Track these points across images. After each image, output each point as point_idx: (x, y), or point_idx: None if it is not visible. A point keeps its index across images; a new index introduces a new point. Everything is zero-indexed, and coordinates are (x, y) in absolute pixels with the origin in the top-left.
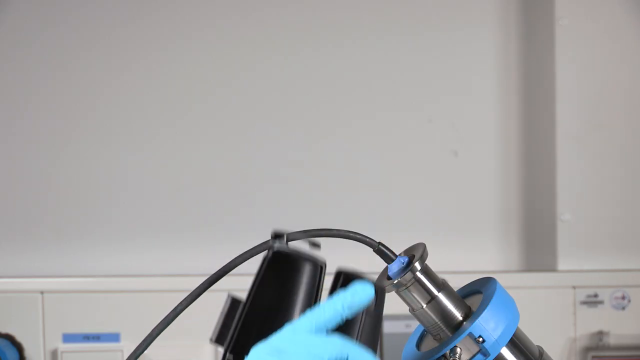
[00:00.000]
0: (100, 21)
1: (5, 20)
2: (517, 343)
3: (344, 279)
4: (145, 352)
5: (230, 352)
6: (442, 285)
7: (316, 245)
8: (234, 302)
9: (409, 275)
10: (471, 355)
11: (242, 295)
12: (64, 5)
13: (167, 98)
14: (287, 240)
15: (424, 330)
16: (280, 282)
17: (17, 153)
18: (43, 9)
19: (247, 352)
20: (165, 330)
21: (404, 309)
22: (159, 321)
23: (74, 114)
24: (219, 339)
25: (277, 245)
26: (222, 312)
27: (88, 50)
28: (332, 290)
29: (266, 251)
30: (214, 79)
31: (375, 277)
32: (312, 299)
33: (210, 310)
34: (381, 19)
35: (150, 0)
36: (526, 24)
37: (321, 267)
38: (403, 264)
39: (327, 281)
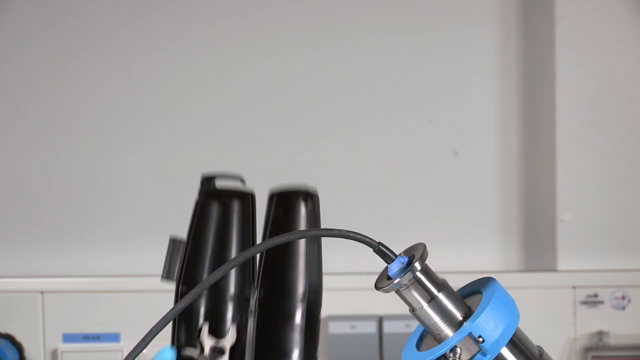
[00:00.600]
0: (100, 21)
1: (6, 20)
2: (517, 343)
3: (277, 199)
4: (145, 351)
5: (183, 285)
6: (442, 285)
7: (241, 181)
8: (175, 243)
9: (409, 275)
10: (471, 355)
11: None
12: (64, 5)
13: (167, 98)
14: (214, 180)
15: (424, 330)
16: (215, 219)
17: (17, 153)
18: (43, 9)
19: (196, 282)
20: (166, 330)
21: (404, 309)
22: (159, 320)
23: (74, 114)
24: (168, 276)
25: (205, 188)
26: (167, 253)
27: (88, 51)
28: (268, 211)
29: (199, 197)
30: (214, 79)
31: (375, 277)
32: (248, 228)
33: None
34: (381, 19)
35: (150, 0)
36: (526, 24)
37: (250, 198)
38: (403, 264)
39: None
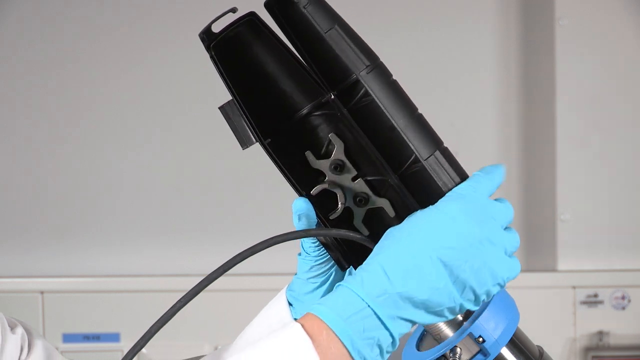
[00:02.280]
0: (100, 22)
1: (6, 20)
2: (517, 343)
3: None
4: (145, 351)
5: (264, 138)
6: None
7: (231, 11)
8: (226, 107)
9: None
10: (471, 355)
11: None
12: (64, 5)
13: (166, 99)
14: (211, 29)
15: (424, 330)
16: (240, 59)
17: (17, 153)
18: (42, 9)
19: (270, 127)
20: (165, 330)
21: None
22: (157, 319)
23: (74, 115)
24: (246, 142)
25: (211, 42)
26: (229, 124)
27: (88, 51)
28: (280, 20)
29: (209, 54)
30: (214, 80)
31: None
32: (275, 43)
33: (209, 310)
34: (381, 19)
35: (150, 0)
36: (526, 24)
37: (253, 18)
38: None
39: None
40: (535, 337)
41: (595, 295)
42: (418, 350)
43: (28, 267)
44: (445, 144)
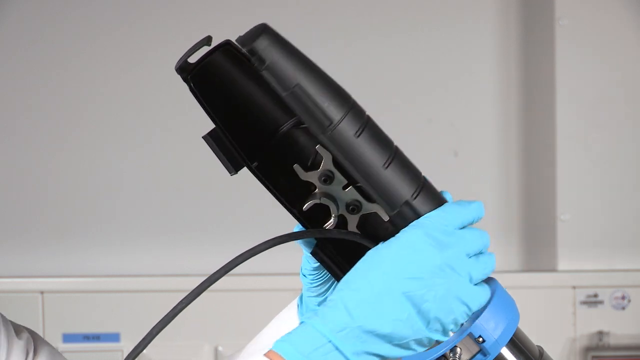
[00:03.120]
0: (100, 22)
1: (6, 20)
2: (517, 343)
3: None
4: (145, 352)
5: (251, 162)
6: None
7: (208, 44)
8: (211, 137)
9: None
10: (471, 355)
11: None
12: (64, 5)
13: (166, 99)
14: (187, 61)
15: None
16: (218, 85)
17: (17, 153)
18: (42, 9)
19: (256, 149)
20: (165, 330)
21: None
22: (159, 321)
23: (74, 115)
24: (235, 168)
25: (188, 74)
26: (214, 152)
27: (88, 51)
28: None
29: (188, 86)
30: None
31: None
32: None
33: (209, 310)
34: (381, 19)
35: (149, 0)
36: (526, 24)
37: (229, 46)
38: None
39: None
40: (535, 337)
41: (595, 295)
42: None
43: (28, 267)
44: (445, 144)
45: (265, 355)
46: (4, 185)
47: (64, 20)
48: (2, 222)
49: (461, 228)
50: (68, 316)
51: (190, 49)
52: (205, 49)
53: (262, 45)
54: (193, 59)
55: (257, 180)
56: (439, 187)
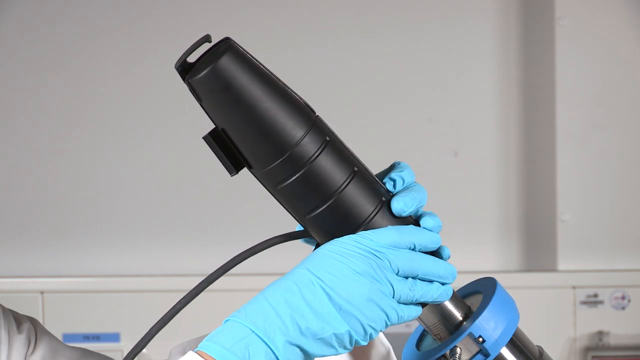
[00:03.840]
0: (100, 22)
1: (6, 20)
2: (517, 343)
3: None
4: (145, 351)
5: (251, 168)
6: None
7: (205, 40)
8: (210, 138)
9: None
10: (471, 355)
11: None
12: (64, 5)
13: (166, 99)
14: (186, 60)
15: (424, 330)
16: (221, 86)
17: (17, 153)
18: (42, 9)
19: (259, 158)
20: (164, 330)
21: None
22: (158, 320)
23: (74, 115)
24: (235, 168)
25: (187, 72)
26: (215, 152)
27: (88, 51)
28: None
29: (188, 86)
30: None
31: None
32: (256, 67)
33: (209, 310)
34: (381, 19)
35: (149, 1)
36: (526, 24)
37: (229, 44)
38: None
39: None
40: (535, 337)
41: (595, 295)
42: (418, 350)
43: (28, 267)
44: (446, 144)
45: (186, 356)
46: (4, 185)
47: (64, 20)
48: (2, 222)
49: (413, 249)
50: (68, 316)
51: (190, 47)
52: (204, 49)
53: (200, 81)
54: (192, 58)
55: (257, 180)
56: (438, 187)
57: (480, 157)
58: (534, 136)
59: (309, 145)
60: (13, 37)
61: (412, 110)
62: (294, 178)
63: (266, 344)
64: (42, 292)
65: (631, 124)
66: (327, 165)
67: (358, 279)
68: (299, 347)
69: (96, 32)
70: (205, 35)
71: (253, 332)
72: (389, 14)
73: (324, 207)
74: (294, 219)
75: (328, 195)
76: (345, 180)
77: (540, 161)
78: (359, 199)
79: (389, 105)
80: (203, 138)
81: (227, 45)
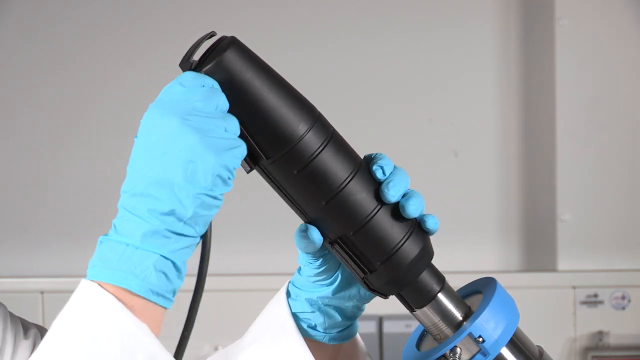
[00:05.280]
0: (100, 22)
1: (6, 20)
2: (517, 343)
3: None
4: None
5: (269, 159)
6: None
7: (210, 35)
8: None
9: None
10: (471, 355)
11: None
12: (64, 5)
13: None
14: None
15: (424, 330)
16: (233, 84)
17: (17, 153)
18: (42, 9)
19: (279, 138)
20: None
21: (404, 309)
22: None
23: (74, 115)
24: (254, 162)
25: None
26: None
27: (88, 51)
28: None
29: None
30: None
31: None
32: (263, 64)
33: (209, 310)
34: (381, 19)
35: (149, 1)
36: (526, 24)
37: (231, 38)
38: None
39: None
40: (535, 337)
41: (595, 295)
42: (418, 350)
43: (28, 267)
44: (446, 144)
45: (80, 287)
46: (4, 185)
47: (64, 20)
48: (2, 222)
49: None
50: None
51: (195, 43)
52: (204, 49)
53: (212, 70)
54: (195, 57)
55: (263, 180)
56: (438, 187)
57: (480, 157)
58: (534, 136)
59: (324, 123)
60: (13, 37)
61: (412, 110)
62: (323, 149)
63: (145, 249)
64: (42, 292)
65: (631, 124)
66: (342, 148)
67: (185, 135)
68: (172, 232)
69: (96, 32)
70: (209, 33)
71: (129, 245)
72: (389, 14)
73: (350, 180)
74: (299, 216)
75: (354, 167)
76: (353, 171)
77: (540, 161)
78: (366, 183)
79: (389, 105)
80: None
81: (229, 39)
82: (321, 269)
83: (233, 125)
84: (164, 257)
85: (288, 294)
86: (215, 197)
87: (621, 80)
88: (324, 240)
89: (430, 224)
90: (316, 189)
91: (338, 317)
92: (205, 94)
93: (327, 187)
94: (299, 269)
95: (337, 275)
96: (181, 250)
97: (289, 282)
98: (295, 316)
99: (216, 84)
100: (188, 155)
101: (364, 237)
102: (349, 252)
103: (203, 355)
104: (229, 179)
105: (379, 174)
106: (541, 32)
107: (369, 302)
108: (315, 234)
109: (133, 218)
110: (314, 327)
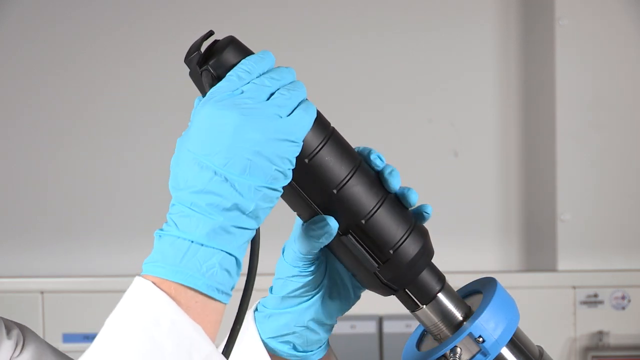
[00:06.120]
0: (100, 22)
1: (6, 20)
2: (517, 343)
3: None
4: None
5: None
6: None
7: (209, 34)
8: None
9: None
10: (471, 355)
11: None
12: (64, 5)
13: (165, 99)
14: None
15: (424, 330)
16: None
17: (17, 153)
18: (42, 9)
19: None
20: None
21: (404, 309)
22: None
23: (74, 115)
24: None
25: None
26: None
27: (88, 51)
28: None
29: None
30: None
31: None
32: None
33: None
34: (381, 19)
35: (149, 1)
36: (526, 24)
37: (234, 39)
38: None
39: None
40: (535, 337)
41: (595, 295)
42: (418, 350)
43: (28, 267)
44: (445, 144)
45: (134, 284)
46: (4, 185)
47: (64, 20)
48: (2, 222)
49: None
50: (68, 316)
51: (195, 43)
52: (204, 48)
53: (225, 58)
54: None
55: None
56: (438, 187)
57: (480, 157)
58: (534, 136)
59: (324, 120)
60: (13, 37)
61: (412, 110)
62: (329, 138)
63: (210, 247)
64: (42, 292)
65: (631, 124)
66: (343, 140)
67: (245, 130)
68: (239, 227)
69: (96, 32)
70: (209, 32)
71: (193, 242)
72: (389, 14)
73: (358, 168)
74: (304, 212)
75: (358, 157)
76: (357, 160)
77: (540, 161)
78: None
79: (389, 105)
80: None
81: (228, 38)
82: (309, 278)
83: (286, 106)
84: (229, 253)
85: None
86: (275, 189)
87: (621, 80)
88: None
89: (428, 213)
90: (329, 175)
91: (318, 333)
92: (254, 88)
93: (337, 174)
94: (272, 289)
95: (323, 284)
96: (243, 245)
97: (255, 311)
98: (271, 341)
99: (272, 60)
100: (247, 152)
101: (376, 224)
102: (362, 241)
103: None
104: (289, 170)
105: (378, 162)
106: (541, 32)
107: (348, 309)
108: (333, 222)
109: (193, 214)
110: (294, 348)
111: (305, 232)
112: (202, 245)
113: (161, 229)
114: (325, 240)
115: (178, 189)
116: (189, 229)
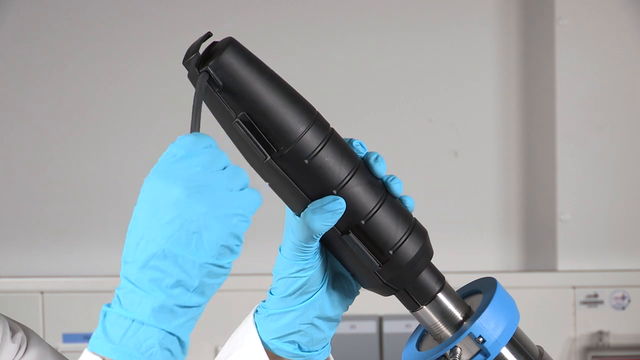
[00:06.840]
0: (100, 22)
1: (6, 20)
2: (517, 343)
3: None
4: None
5: (281, 161)
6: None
7: (207, 36)
8: (240, 124)
9: None
10: (471, 355)
11: None
12: (64, 5)
13: (165, 99)
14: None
15: (424, 330)
16: (251, 61)
17: (17, 153)
18: (42, 9)
19: (291, 125)
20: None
21: (404, 309)
22: None
23: (74, 115)
24: (269, 151)
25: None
26: (245, 139)
27: (88, 51)
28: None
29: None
30: None
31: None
32: (261, 64)
33: (209, 311)
34: (381, 19)
35: (149, 2)
36: (526, 24)
37: (233, 41)
38: None
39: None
40: (535, 337)
41: (595, 295)
42: (418, 350)
43: (28, 267)
44: (446, 144)
45: (83, 358)
46: (4, 185)
47: (64, 20)
48: (2, 222)
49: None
50: (68, 316)
51: (193, 46)
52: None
53: (225, 59)
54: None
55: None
56: (439, 187)
57: (480, 158)
58: (534, 136)
59: (323, 121)
60: (13, 37)
61: (412, 110)
62: (329, 139)
63: (152, 325)
64: (42, 292)
65: (631, 124)
66: (342, 141)
67: (191, 205)
68: (181, 306)
69: (96, 32)
70: (207, 33)
71: (134, 320)
72: (390, 15)
73: (358, 168)
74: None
75: (357, 157)
76: (356, 160)
77: (540, 161)
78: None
79: (389, 105)
80: (232, 125)
81: (227, 40)
82: (313, 271)
83: (239, 180)
84: (170, 333)
85: (256, 325)
86: (221, 267)
87: (621, 80)
88: (332, 234)
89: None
90: (329, 176)
91: (324, 330)
92: (208, 158)
93: (337, 175)
94: (273, 291)
95: (326, 277)
96: (187, 324)
97: (254, 314)
98: (275, 341)
99: (214, 142)
100: (192, 226)
101: (375, 224)
102: (362, 241)
103: None
104: (237, 246)
105: (360, 149)
106: (541, 32)
107: (352, 302)
108: (342, 201)
109: (137, 291)
110: (299, 348)
111: (312, 214)
112: (142, 324)
113: (108, 305)
114: (332, 221)
115: (125, 262)
116: (132, 307)
